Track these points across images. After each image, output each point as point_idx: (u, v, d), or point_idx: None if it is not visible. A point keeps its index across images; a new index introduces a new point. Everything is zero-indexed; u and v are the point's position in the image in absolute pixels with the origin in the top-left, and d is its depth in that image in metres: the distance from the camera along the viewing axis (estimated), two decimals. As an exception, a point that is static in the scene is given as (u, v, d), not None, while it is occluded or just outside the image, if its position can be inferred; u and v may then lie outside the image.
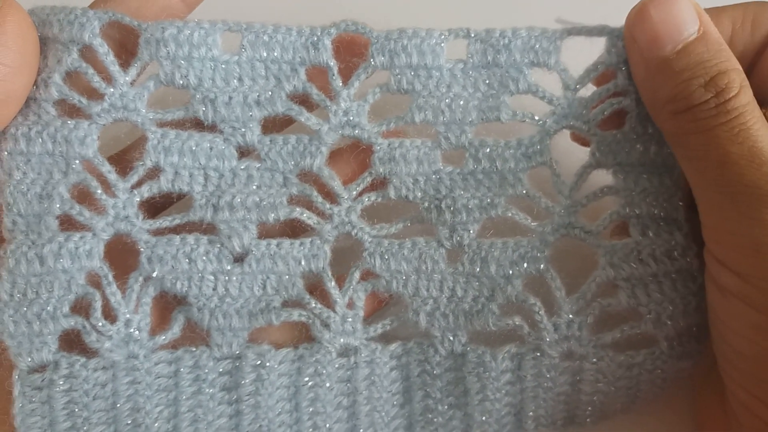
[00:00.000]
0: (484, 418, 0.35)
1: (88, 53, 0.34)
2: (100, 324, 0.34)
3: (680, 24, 0.31)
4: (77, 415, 0.34)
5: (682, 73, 0.31)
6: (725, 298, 0.31)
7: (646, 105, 0.33)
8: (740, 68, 0.31)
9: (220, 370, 0.35)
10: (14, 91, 0.33)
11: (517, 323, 0.35)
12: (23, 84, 0.33)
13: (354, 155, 0.36)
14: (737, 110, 0.30)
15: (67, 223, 0.34)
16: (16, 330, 0.33)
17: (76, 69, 0.34)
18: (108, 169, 0.34)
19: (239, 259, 0.35)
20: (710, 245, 0.32)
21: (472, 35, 0.34)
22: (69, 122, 0.34)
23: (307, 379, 0.35)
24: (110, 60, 0.34)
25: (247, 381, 0.35)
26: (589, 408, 0.36)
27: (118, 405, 0.34)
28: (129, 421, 0.34)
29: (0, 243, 0.34)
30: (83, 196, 0.34)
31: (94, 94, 0.34)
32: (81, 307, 0.34)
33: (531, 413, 0.35)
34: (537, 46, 0.34)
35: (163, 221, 0.35)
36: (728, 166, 0.30)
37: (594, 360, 0.34)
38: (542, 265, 0.35)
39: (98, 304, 0.34)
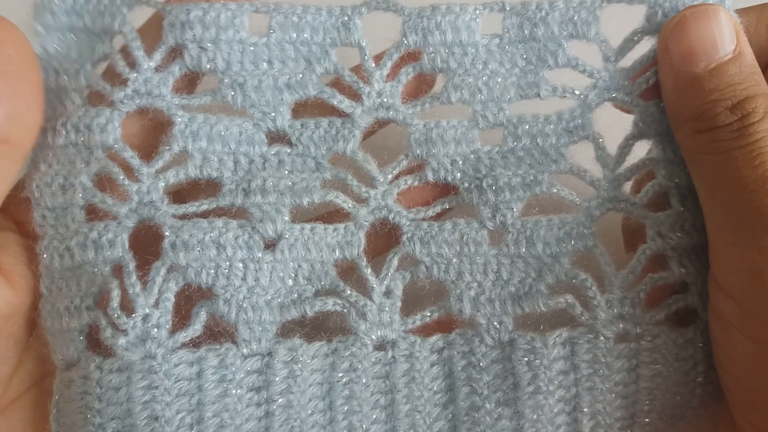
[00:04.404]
0: (535, 416, 0.32)
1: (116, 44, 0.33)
2: (115, 316, 0.30)
3: (717, 42, 0.30)
4: (89, 422, 0.30)
5: (710, 93, 0.29)
6: (725, 331, 0.30)
7: (668, 115, 0.32)
8: None
9: (248, 368, 0.31)
10: (30, 95, 0.30)
11: (569, 301, 0.32)
12: (34, 84, 0.30)
13: None
14: (759, 134, 0.28)
15: (93, 214, 0.32)
16: (52, 325, 0.31)
17: (106, 56, 0.32)
18: (131, 155, 0.32)
19: (270, 246, 0.32)
20: (713, 268, 0.31)
21: (508, 9, 0.33)
22: (91, 110, 0.32)
23: (341, 375, 0.32)
24: (136, 45, 0.32)
25: (278, 379, 0.31)
26: (648, 402, 0.32)
27: (134, 412, 0.30)
28: (147, 431, 0.30)
29: (35, 239, 0.32)
30: (109, 185, 0.32)
31: (119, 81, 0.32)
32: (105, 301, 0.31)
33: (587, 409, 0.32)
34: (575, 17, 0.32)
35: (190, 206, 0.32)
36: (739, 189, 0.28)
37: (649, 338, 0.32)
38: (590, 241, 0.32)
39: (116, 294, 0.30)
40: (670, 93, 0.31)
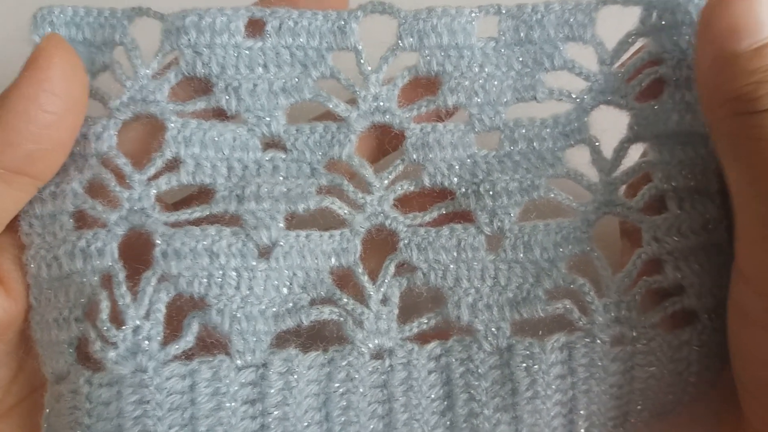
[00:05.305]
0: (533, 420, 0.31)
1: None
2: (105, 328, 0.29)
3: (764, 21, 0.28)
4: None
5: (754, 73, 0.27)
6: (747, 325, 0.29)
7: (701, 96, 0.30)
8: None
9: (243, 380, 0.30)
10: (59, 139, 0.29)
11: (567, 307, 0.32)
12: (70, 129, 0.30)
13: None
14: None
15: (82, 222, 0.31)
16: (42, 337, 0.30)
17: (106, 66, 0.32)
18: (124, 162, 0.31)
19: (264, 253, 0.31)
20: (741, 262, 0.29)
21: (504, 12, 0.32)
22: (87, 119, 0.31)
23: (338, 385, 0.31)
24: (135, 55, 0.32)
25: (274, 390, 0.30)
26: (641, 402, 0.32)
27: (125, 428, 0.29)
28: None
29: (21, 249, 0.31)
30: (101, 192, 0.31)
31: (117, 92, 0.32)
32: (94, 313, 0.30)
33: (583, 411, 0.32)
34: (571, 19, 0.32)
35: (182, 214, 0.31)
36: None
37: (645, 341, 0.31)
38: (587, 246, 0.32)
39: (105, 305, 0.29)
40: (707, 70, 0.29)
